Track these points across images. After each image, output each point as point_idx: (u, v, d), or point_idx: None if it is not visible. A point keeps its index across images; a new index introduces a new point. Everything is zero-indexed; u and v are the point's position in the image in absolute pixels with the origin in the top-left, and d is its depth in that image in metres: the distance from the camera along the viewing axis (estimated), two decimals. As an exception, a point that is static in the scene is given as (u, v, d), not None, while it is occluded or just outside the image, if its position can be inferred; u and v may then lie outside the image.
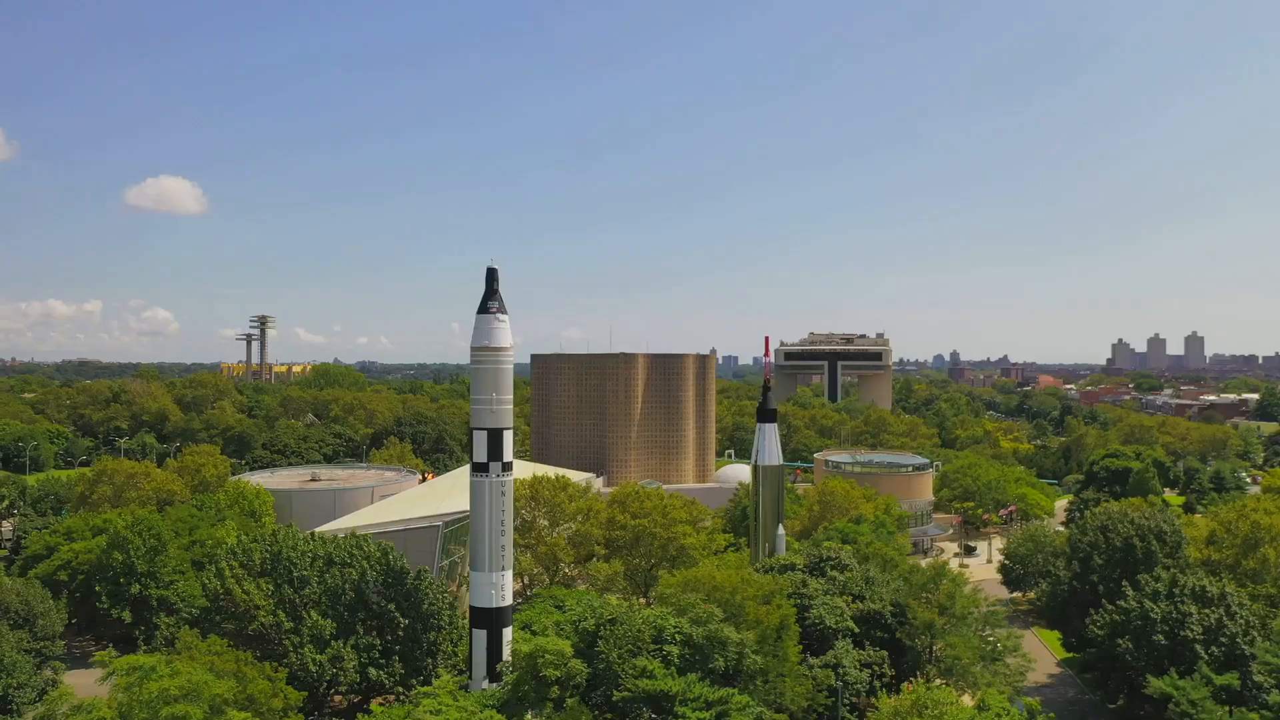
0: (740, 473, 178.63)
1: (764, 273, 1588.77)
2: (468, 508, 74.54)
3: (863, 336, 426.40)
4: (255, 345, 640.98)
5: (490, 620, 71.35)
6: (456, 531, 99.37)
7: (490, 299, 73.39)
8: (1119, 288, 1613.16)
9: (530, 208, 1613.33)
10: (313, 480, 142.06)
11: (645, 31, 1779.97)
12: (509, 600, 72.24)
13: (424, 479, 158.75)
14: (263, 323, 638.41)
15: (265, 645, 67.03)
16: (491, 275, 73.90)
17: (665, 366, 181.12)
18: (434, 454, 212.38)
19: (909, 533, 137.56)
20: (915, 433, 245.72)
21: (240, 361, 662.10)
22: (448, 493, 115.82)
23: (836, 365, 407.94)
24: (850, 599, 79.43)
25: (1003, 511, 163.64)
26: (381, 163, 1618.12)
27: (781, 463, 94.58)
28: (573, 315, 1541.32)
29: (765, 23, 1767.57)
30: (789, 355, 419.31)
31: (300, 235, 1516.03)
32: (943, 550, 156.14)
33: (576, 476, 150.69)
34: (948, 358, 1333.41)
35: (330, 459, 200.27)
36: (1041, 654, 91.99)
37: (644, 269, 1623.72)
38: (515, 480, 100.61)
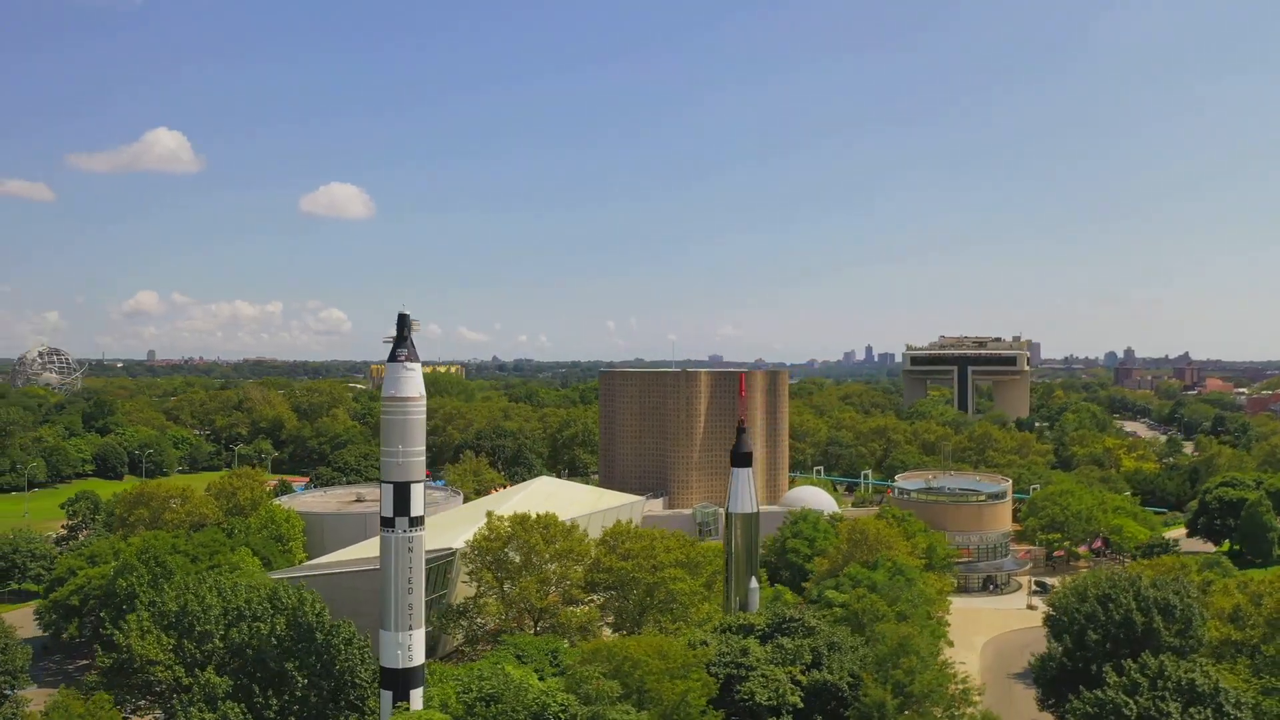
0: (811, 495, 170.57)
1: (937, 269, 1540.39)
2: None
3: (997, 340, 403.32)
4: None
5: (397, 681, 68.73)
6: (440, 567, 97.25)
7: (399, 346, 70.71)
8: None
9: (683, 211, 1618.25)
10: (357, 501, 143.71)
11: (823, 38, 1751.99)
12: (418, 660, 69.22)
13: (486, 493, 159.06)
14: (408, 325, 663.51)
15: (167, 703, 66.55)
16: (402, 321, 71.24)
17: (730, 383, 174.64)
18: (513, 467, 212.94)
19: (953, 574, 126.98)
20: (1026, 449, 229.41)
21: (385, 362, 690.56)
22: (477, 516, 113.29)
23: (966, 370, 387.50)
24: (802, 668, 72.65)
25: (1092, 544, 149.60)
26: (536, 167, 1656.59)
27: (756, 510, 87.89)
28: (725, 314, 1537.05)
29: (952, 36, 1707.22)
30: (915, 360, 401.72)
31: (464, 236, 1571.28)
32: (1020, 586, 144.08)
33: (618, 500, 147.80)
34: (1121, 355, 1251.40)
35: None
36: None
37: (806, 264, 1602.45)
38: (505, 517, 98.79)
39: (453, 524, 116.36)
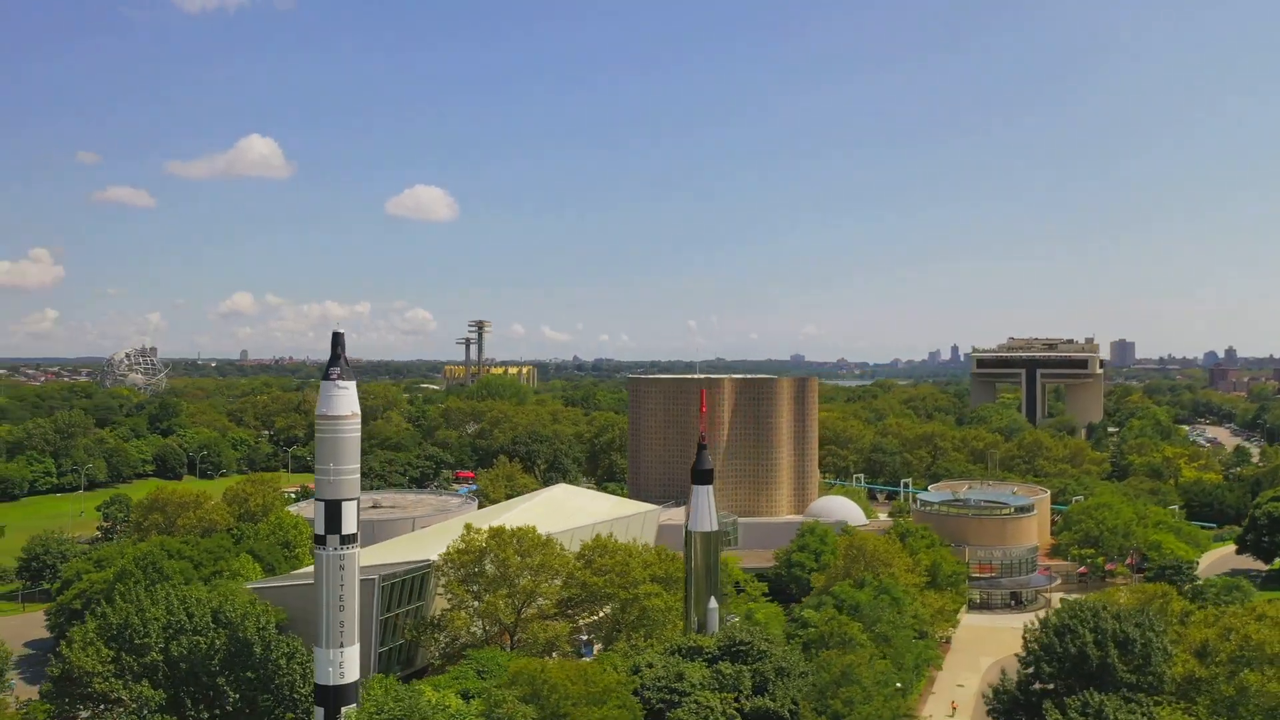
0: (838, 506, 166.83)
1: (1033, 265, 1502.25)
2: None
3: (1069, 341, 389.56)
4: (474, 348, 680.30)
5: (329, 698, 69.18)
6: (416, 579, 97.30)
7: (333, 365, 70.94)
8: None
9: (766, 205, 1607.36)
10: (372, 507, 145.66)
11: (924, 34, 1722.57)
12: (351, 678, 69.53)
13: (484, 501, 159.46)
14: (480, 327, 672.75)
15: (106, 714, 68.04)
16: (336, 341, 71.44)
17: (755, 390, 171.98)
18: (549, 473, 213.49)
19: (961, 592, 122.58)
20: (1080, 458, 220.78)
21: (459, 362, 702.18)
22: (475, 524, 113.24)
23: (1035, 374, 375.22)
24: (743, 695, 70.72)
25: (1127, 560, 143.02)
26: (618, 165, 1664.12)
27: (716, 529, 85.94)
28: (808, 313, 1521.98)
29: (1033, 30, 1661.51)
30: (981, 364, 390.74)
31: (546, 236, 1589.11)
32: (1047, 603, 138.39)
33: (631, 509, 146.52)
34: (1222, 354, 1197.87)
35: (419, 482, 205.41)
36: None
37: (893, 260, 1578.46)
38: (483, 530, 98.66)
39: (449, 533, 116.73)
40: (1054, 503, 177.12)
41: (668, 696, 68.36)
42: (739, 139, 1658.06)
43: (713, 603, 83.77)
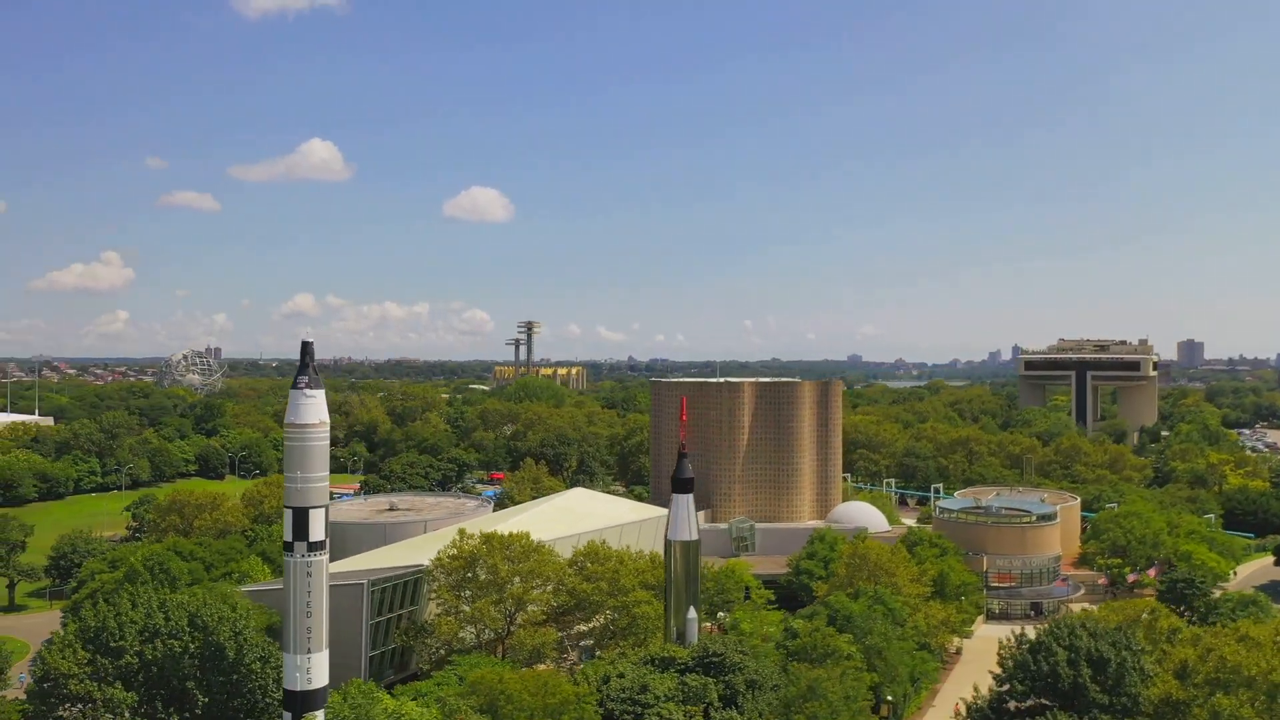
0: (859, 512, 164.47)
1: (1098, 262, 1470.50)
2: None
3: (1121, 342, 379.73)
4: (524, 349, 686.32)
5: (296, 704, 69.92)
6: (408, 584, 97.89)
7: (301, 374, 71.60)
8: None
9: (824, 205, 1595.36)
10: (390, 510, 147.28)
11: (973, 35, 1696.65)
12: (319, 684, 70.08)
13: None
14: (529, 328, 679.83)
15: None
16: (304, 350, 72.14)
17: (776, 394, 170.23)
18: (578, 475, 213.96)
19: (971, 602, 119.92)
20: (1120, 464, 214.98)
21: (509, 363, 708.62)
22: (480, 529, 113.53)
23: (1085, 376, 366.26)
24: (711, 707, 69.99)
25: (1150, 571, 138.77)
26: (670, 164, 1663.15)
27: (696, 538, 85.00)
28: (865, 312, 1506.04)
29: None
30: (1029, 365, 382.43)
31: (601, 235, 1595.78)
32: (1069, 613, 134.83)
33: (644, 514, 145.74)
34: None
35: (443, 484, 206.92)
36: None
37: (953, 259, 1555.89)
38: (475, 535, 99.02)
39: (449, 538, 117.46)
40: (1087, 510, 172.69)
41: (631, 709, 67.83)
42: (797, 138, 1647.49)
43: (692, 612, 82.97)
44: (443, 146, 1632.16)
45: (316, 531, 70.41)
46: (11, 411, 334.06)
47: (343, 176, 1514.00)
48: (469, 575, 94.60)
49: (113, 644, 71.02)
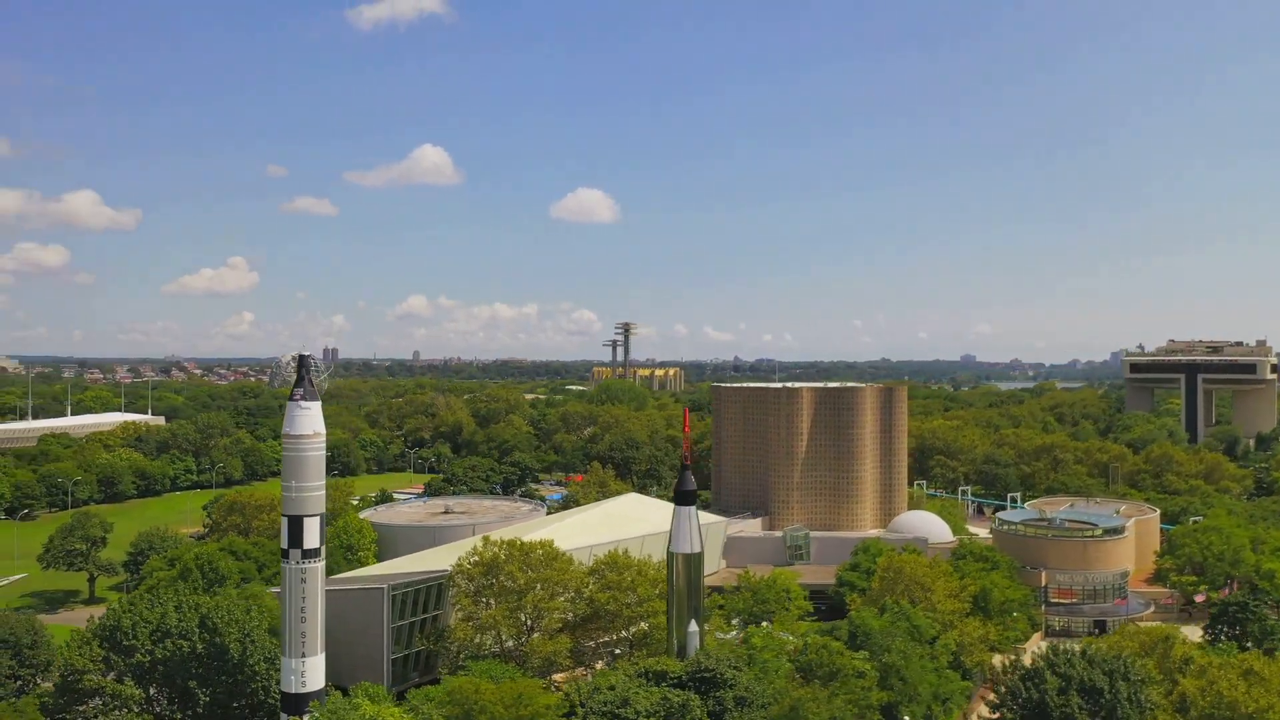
0: (921, 522, 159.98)
1: (1231, 256, 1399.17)
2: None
3: (1237, 344, 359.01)
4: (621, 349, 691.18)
5: (293, 705, 72.19)
6: (433, 588, 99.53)
7: (297, 386, 74.01)
8: None
9: (937, 201, 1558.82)
10: (444, 513, 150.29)
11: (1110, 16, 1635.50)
12: (314, 687, 72.23)
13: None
14: (626, 329, 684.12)
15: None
16: (301, 363, 74.58)
17: (836, 400, 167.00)
18: (645, 479, 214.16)
19: (1031, 618, 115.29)
20: (1216, 474, 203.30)
21: (608, 363, 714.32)
22: (525, 532, 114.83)
23: (1196, 379, 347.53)
24: (695, 724, 69.12)
25: (1224, 591, 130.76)
26: (777, 161, 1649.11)
27: (699, 550, 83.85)
28: (980, 310, 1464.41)
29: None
30: (1135, 368, 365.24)
31: (708, 234, 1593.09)
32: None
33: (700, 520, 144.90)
34: None
35: (506, 487, 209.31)
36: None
37: (1074, 255, 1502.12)
38: (499, 541, 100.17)
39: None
40: (1172, 523, 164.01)
41: (609, 724, 67.58)
42: (911, 137, 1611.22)
43: (693, 625, 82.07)
44: (548, 149, 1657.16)
45: (311, 539, 72.65)
46: (127, 411, 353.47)
47: (453, 181, 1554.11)
48: (489, 582, 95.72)
49: (125, 642, 74.58)
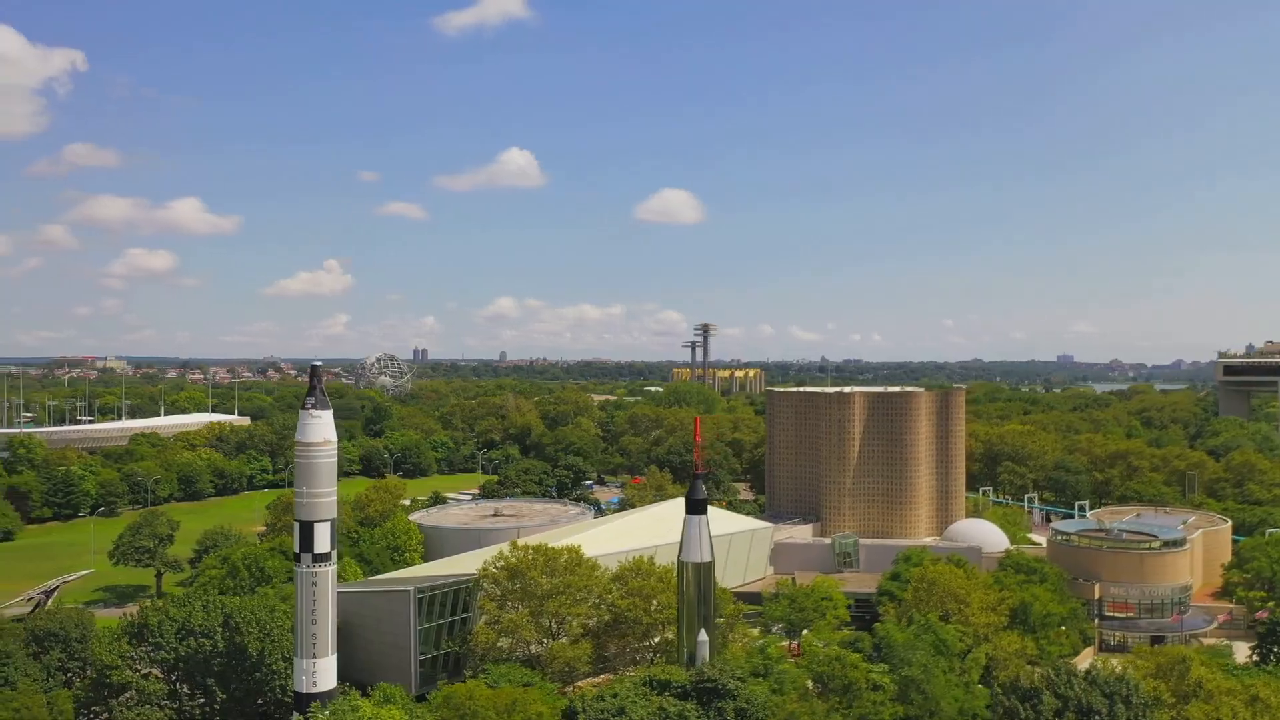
0: (977, 530, 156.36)
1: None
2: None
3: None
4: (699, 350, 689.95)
5: (304, 705, 74.39)
6: (461, 591, 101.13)
7: (309, 395, 76.14)
8: None
9: (1033, 197, 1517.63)
10: (493, 515, 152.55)
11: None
12: (324, 687, 74.37)
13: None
14: (705, 329, 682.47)
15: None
16: (313, 373, 76.70)
17: (889, 405, 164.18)
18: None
19: (1083, 632, 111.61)
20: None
21: (687, 364, 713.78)
22: (562, 536, 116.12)
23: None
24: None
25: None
26: (869, 157, 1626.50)
27: (710, 560, 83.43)
28: (1079, 309, 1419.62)
29: None
30: (1229, 370, 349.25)
31: (795, 233, 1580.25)
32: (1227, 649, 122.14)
33: (738, 526, 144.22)
34: None
35: (561, 490, 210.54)
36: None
37: (1178, 250, 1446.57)
38: (528, 546, 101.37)
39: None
40: (1246, 535, 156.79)
41: (604, 732, 67.99)
42: (1003, 136, 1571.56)
43: (703, 635, 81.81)
44: (632, 150, 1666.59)
45: (322, 544, 74.74)
46: (215, 411, 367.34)
47: (539, 184, 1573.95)
48: (514, 586, 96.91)
49: (152, 640, 77.88)
